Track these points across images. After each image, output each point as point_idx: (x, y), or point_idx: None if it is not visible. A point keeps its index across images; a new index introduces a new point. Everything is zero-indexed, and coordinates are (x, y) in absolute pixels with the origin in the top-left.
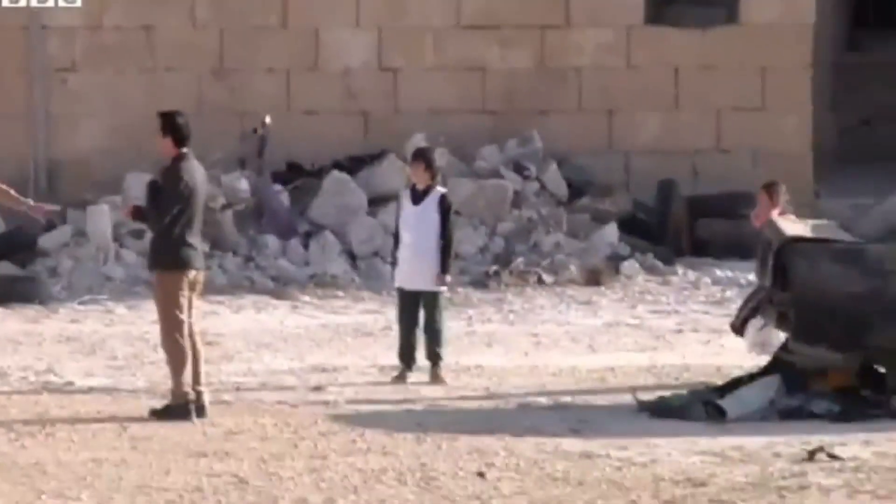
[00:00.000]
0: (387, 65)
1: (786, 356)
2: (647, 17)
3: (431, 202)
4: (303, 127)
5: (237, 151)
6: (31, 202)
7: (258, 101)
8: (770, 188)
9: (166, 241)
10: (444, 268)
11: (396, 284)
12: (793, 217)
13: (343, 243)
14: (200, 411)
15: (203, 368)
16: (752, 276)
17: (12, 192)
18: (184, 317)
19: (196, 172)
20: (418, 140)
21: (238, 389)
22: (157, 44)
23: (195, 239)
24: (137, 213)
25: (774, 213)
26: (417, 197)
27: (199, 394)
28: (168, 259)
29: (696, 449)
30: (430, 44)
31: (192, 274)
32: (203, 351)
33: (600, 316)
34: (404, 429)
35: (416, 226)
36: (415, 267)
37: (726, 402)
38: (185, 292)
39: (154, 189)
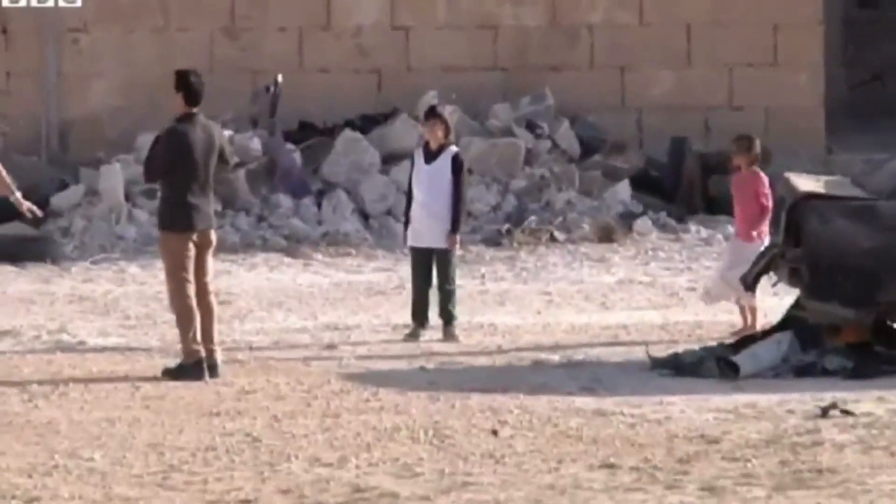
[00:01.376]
0: (399, 23)
1: (799, 313)
2: None
3: (444, 161)
4: (315, 85)
5: (249, 110)
6: (20, 195)
7: (270, 59)
8: (750, 142)
9: (168, 201)
10: (454, 227)
11: (409, 243)
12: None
13: (355, 202)
14: (213, 370)
15: (216, 327)
16: None
17: (7, 177)
18: (189, 276)
19: (198, 132)
20: (430, 98)
21: (251, 348)
22: (168, 2)
23: (199, 199)
24: None
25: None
26: (430, 155)
27: (211, 352)
28: (169, 219)
29: (709, 406)
30: (441, 1)
31: (195, 234)
32: (217, 310)
33: (613, 273)
34: (417, 387)
35: (429, 184)
36: (427, 225)
37: (739, 359)
38: (190, 252)
39: (153, 145)
